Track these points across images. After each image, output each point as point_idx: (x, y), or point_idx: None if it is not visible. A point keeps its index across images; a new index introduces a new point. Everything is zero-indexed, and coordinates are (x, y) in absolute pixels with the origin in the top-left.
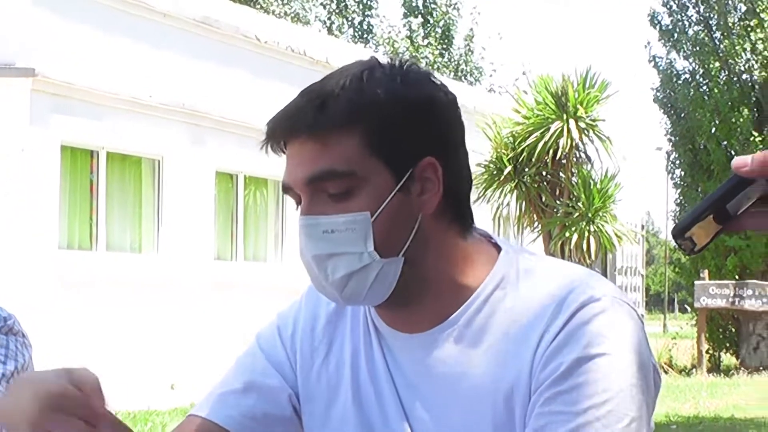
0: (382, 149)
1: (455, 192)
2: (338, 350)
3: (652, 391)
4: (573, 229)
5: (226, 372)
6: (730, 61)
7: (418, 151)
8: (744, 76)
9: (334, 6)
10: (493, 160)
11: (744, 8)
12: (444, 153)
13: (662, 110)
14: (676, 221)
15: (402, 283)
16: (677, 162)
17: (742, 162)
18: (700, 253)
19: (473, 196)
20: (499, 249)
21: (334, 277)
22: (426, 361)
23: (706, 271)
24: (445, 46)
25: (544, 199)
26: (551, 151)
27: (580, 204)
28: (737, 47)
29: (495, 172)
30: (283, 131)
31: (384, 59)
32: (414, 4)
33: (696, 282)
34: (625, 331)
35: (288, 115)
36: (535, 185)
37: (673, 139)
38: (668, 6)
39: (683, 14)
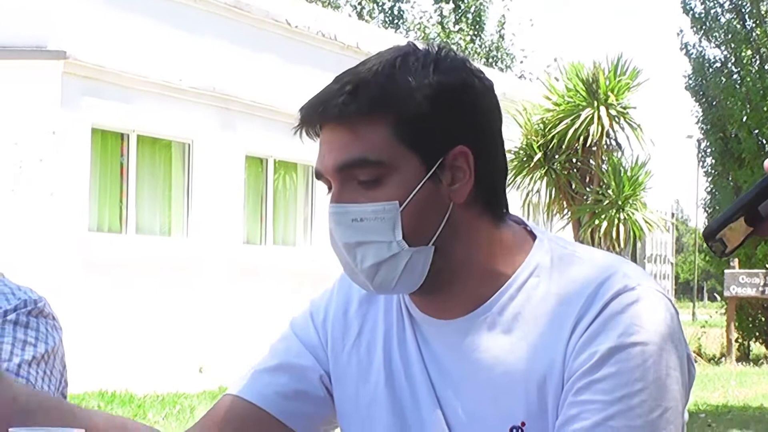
0: (411, 138)
1: (489, 180)
2: (370, 332)
3: (686, 381)
4: (603, 216)
5: (261, 355)
6: (762, 49)
7: (450, 139)
8: None
9: None
10: (523, 146)
11: None
12: (477, 141)
13: (693, 98)
14: (707, 209)
15: (433, 271)
16: (708, 150)
17: None
18: (730, 256)
19: None
20: (534, 237)
21: (363, 266)
22: (459, 347)
23: (736, 260)
24: (476, 32)
25: (573, 186)
26: (581, 138)
27: (610, 191)
28: None
29: (525, 159)
30: (314, 117)
31: (420, 45)
32: None
33: (726, 271)
34: (659, 320)
35: (320, 101)
36: (565, 172)
37: (704, 127)
38: None
39: (716, 2)
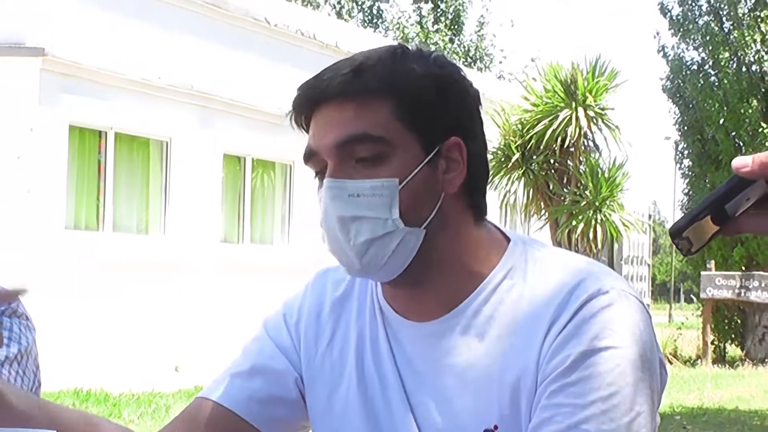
0: (413, 120)
1: (476, 177)
2: (343, 336)
3: (658, 385)
4: (580, 217)
5: (234, 358)
6: (739, 51)
7: (447, 129)
8: (753, 67)
9: None
10: (501, 147)
11: None
12: (469, 135)
13: (671, 100)
14: (684, 211)
15: (417, 259)
16: (685, 152)
17: (742, 162)
18: (695, 255)
19: None
20: (508, 240)
21: (356, 241)
22: (432, 350)
23: (713, 262)
24: (455, 33)
25: (551, 186)
26: (559, 139)
27: (587, 192)
28: (747, 38)
29: (503, 159)
30: (317, 94)
31: (412, 46)
32: None
33: (702, 273)
34: (632, 324)
35: (323, 80)
36: (543, 173)
37: (681, 129)
38: None
39: (694, 4)
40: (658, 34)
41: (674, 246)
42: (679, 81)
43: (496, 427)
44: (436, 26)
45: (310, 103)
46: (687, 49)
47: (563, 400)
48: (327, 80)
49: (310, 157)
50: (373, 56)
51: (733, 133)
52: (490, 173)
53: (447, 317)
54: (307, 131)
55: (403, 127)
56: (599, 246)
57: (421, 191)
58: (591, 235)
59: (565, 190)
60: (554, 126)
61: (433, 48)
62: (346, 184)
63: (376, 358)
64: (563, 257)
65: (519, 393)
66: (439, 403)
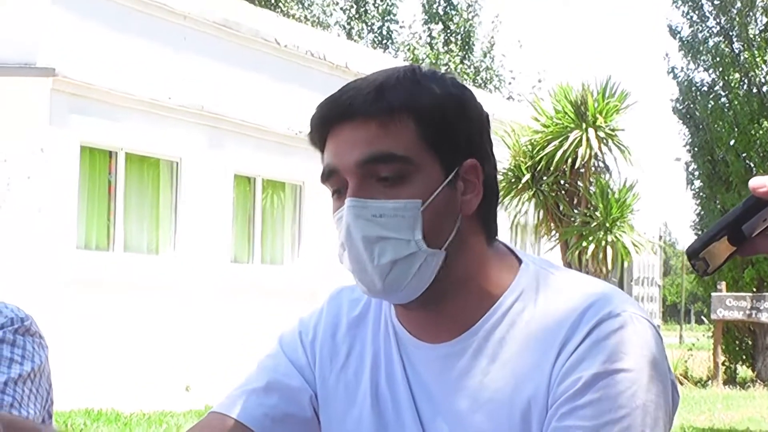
0: (435, 141)
1: (488, 200)
2: (358, 356)
3: (669, 408)
4: (590, 238)
5: (248, 373)
6: (750, 73)
7: (466, 150)
8: (764, 89)
9: (354, 11)
10: (512, 168)
11: (765, 20)
12: (484, 158)
13: (681, 121)
14: (696, 233)
15: (435, 281)
16: (696, 173)
17: (760, 183)
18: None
19: None
20: (519, 261)
21: (380, 261)
22: (445, 372)
23: (724, 283)
24: (465, 54)
25: (561, 208)
26: (570, 160)
27: (597, 213)
28: (758, 59)
29: (513, 180)
30: (339, 113)
31: (424, 67)
32: (435, 11)
33: (713, 294)
34: (644, 347)
35: (342, 99)
36: (553, 194)
37: (692, 150)
38: (688, 17)
39: (703, 25)
40: (667, 55)
41: (691, 267)
42: (690, 102)
43: None
44: (446, 47)
45: (331, 120)
46: (697, 70)
47: (574, 423)
48: (349, 99)
49: (329, 175)
50: (392, 76)
51: (744, 155)
52: (501, 194)
53: (460, 339)
54: (322, 150)
55: (425, 148)
56: (609, 267)
57: (442, 212)
58: (601, 256)
59: (575, 211)
60: (564, 147)
61: (443, 69)
62: (369, 204)
63: (390, 380)
64: (574, 279)
65: (530, 415)
66: (452, 425)
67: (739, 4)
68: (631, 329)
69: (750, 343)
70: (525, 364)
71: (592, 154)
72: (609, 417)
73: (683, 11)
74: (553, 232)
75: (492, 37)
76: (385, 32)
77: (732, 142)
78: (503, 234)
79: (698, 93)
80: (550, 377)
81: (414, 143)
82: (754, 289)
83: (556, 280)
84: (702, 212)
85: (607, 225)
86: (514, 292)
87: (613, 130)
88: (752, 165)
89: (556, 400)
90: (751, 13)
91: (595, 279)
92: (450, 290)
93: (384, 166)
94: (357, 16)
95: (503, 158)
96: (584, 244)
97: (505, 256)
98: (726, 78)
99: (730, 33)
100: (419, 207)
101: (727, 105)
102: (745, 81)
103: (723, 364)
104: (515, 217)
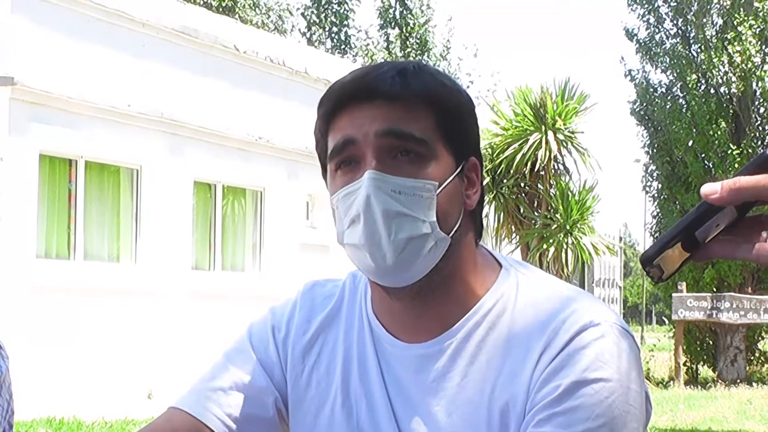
0: (450, 133)
1: (481, 201)
2: (330, 352)
3: (644, 419)
4: (551, 240)
5: (214, 364)
6: (707, 74)
7: (470, 148)
8: (721, 89)
9: (314, 17)
10: None
11: (721, 21)
12: (480, 158)
13: (639, 123)
14: (653, 234)
15: (437, 268)
16: (654, 175)
17: (712, 189)
18: (666, 281)
19: None
20: (500, 264)
21: (396, 237)
22: (423, 372)
23: (684, 284)
24: (422, 57)
25: (522, 210)
26: (529, 163)
27: (558, 216)
28: (714, 60)
29: None
30: (363, 91)
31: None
32: (392, 16)
33: (674, 294)
34: (623, 357)
35: (367, 79)
36: (514, 197)
37: (650, 151)
38: (645, 19)
39: (660, 27)
40: (623, 59)
41: (646, 274)
42: (647, 104)
43: None
44: (402, 51)
45: (352, 97)
46: (654, 72)
47: (551, 429)
48: (373, 79)
49: (344, 146)
50: (408, 65)
51: (702, 155)
52: None
53: (438, 339)
54: (328, 128)
55: (441, 137)
56: (570, 269)
57: (452, 200)
58: (562, 259)
59: (536, 213)
60: (524, 150)
61: None
62: (389, 179)
63: (364, 378)
64: (555, 285)
65: (508, 418)
66: (429, 426)
67: (695, 6)
68: (610, 339)
69: (711, 343)
70: (503, 368)
71: (552, 156)
72: (586, 425)
73: (639, 14)
74: (514, 234)
75: (448, 41)
76: (343, 37)
77: (690, 143)
78: None
79: (656, 94)
80: (529, 383)
81: (432, 131)
82: (714, 290)
83: (536, 286)
84: (660, 214)
85: (568, 227)
86: (495, 295)
87: (572, 132)
88: (711, 165)
89: (534, 406)
90: (707, 15)
91: (574, 286)
92: (441, 283)
93: (404, 143)
94: (317, 21)
95: None
96: (545, 246)
97: (487, 258)
98: (683, 79)
99: (687, 35)
100: (435, 189)
101: (684, 106)
102: (703, 82)
103: (684, 364)
104: None
